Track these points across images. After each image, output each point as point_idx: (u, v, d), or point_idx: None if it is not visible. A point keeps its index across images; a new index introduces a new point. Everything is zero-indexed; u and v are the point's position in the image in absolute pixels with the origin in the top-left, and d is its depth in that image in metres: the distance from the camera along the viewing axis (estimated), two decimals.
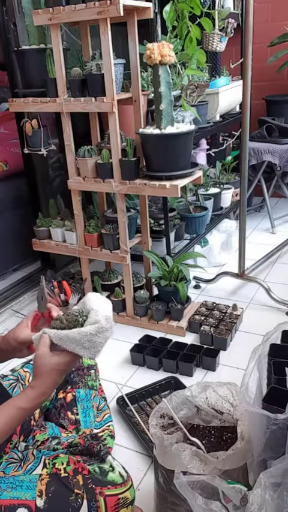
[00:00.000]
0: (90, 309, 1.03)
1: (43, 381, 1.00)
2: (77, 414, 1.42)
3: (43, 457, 1.12)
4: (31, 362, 1.45)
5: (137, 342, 2.06)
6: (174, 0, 2.05)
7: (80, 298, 1.09)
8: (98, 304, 1.04)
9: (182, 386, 1.75)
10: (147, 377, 1.89)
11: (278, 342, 1.23)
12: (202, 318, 2.17)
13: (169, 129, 1.92)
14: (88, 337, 0.97)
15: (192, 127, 1.99)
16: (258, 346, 1.18)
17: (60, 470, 1.07)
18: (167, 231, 2.34)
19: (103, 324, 0.99)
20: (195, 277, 2.62)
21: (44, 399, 1.01)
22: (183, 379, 1.82)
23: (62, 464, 1.08)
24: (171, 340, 2.04)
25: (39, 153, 2.25)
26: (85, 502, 1.01)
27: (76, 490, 1.02)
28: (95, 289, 2.36)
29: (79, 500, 1.01)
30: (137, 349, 2.01)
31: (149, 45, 1.83)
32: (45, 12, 1.90)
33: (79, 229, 2.26)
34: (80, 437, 1.25)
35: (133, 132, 2.07)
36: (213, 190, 2.97)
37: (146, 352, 1.96)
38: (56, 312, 1.11)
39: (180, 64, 2.23)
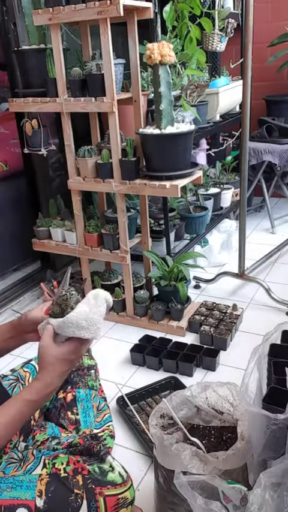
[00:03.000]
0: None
1: (47, 371, 1.00)
2: (77, 414, 1.42)
3: (43, 457, 1.12)
4: (31, 362, 1.45)
5: (137, 342, 2.06)
6: (174, 0, 2.05)
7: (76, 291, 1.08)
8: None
9: (182, 386, 1.75)
10: (147, 377, 1.89)
11: (278, 342, 1.23)
12: (202, 318, 2.17)
13: (169, 129, 1.92)
14: (83, 315, 0.97)
15: (192, 127, 1.99)
16: (258, 346, 1.18)
17: (60, 470, 1.06)
18: (167, 231, 2.34)
19: (90, 299, 1.00)
20: (195, 277, 2.62)
21: (50, 391, 1.00)
22: (183, 379, 1.82)
23: (62, 464, 1.08)
24: (171, 340, 2.04)
25: (39, 153, 2.25)
26: (85, 502, 1.01)
27: (76, 490, 1.02)
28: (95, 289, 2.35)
29: (79, 500, 1.00)
30: (137, 349, 2.01)
31: (149, 45, 1.83)
32: (45, 12, 1.90)
33: (79, 229, 2.26)
34: (80, 437, 1.25)
35: (133, 132, 2.07)
36: (213, 190, 2.98)
37: (146, 352, 1.96)
38: None
39: (180, 64, 2.23)
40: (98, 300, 1.02)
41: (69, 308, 1.02)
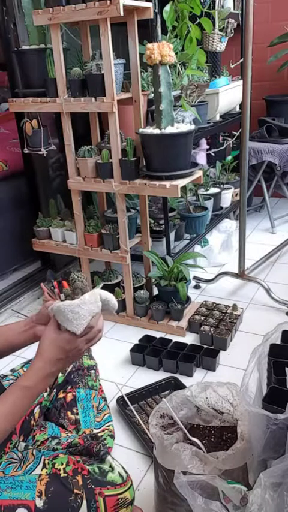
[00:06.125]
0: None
1: (39, 355, 1.02)
2: (77, 414, 1.42)
3: (43, 457, 1.12)
4: (31, 362, 1.45)
5: (137, 342, 2.05)
6: (174, 0, 2.05)
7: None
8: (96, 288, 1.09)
9: (182, 386, 1.75)
10: (147, 377, 1.89)
11: (278, 342, 1.23)
12: (202, 318, 2.17)
13: (169, 129, 1.92)
14: (71, 307, 1.00)
15: (192, 127, 1.98)
16: (258, 346, 1.18)
17: (59, 470, 1.06)
18: (167, 231, 2.34)
19: (86, 296, 1.03)
20: (195, 277, 2.62)
21: (43, 376, 1.01)
22: (183, 379, 1.82)
23: (62, 464, 1.08)
24: (171, 340, 2.04)
25: (39, 153, 2.25)
26: (84, 502, 1.01)
27: (75, 490, 1.02)
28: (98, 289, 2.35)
29: (78, 500, 1.00)
30: (137, 349, 2.01)
31: (149, 45, 1.83)
32: (45, 12, 1.90)
33: (79, 229, 2.26)
34: (80, 437, 1.25)
35: (133, 132, 2.07)
36: (213, 190, 2.98)
37: (146, 352, 1.96)
38: None
39: (180, 64, 2.23)
40: (92, 297, 1.03)
41: (75, 292, 1.05)
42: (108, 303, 1.07)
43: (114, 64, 1.88)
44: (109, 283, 2.36)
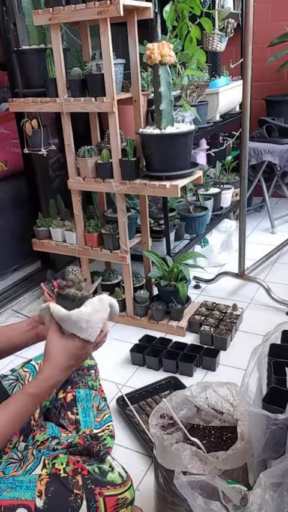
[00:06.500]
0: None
1: (50, 364, 1.00)
2: (77, 414, 1.42)
3: (43, 457, 1.12)
4: (31, 362, 1.45)
5: (137, 342, 2.05)
6: (174, 0, 2.05)
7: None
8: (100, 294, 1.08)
9: (182, 386, 1.75)
10: (147, 377, 1.89)
11: (278, 342, 1.23)
12: (202, 318, 2.17)
13: (169, 129, 1.92)
14: (84, 316, 0.99)
15: (192, 127, 1.98)
16: (258, 346, 1.18)
17: (59, 470, 1.06)
18: (167, 231, 2.34)
19: (96, 302, 1.01)
20: (195, 277, 2.62)
21: (50, 384, 1.01)
22: (183, 379, 1.82)
23: (62, 464, 1.08)
24: (171, 340, 2.04)
25: (39, 153, 2.25)
26: (84, 502, 1.01)
27: (75, 491, 1.02)
28: (94, 289, 2.35)
29: (78, 500, 1.00)
30: (137, 349, 2.01)
31: (149, 45, 1.83)
32: (45, 12, 1.90)
33: (79, 229, 2.26)
34: (80, 437, 1.24)
35: (133, 132, 2.07)
36: (213, 190, 2.98)
37: (146, 352, 1.96)
38: None
39: (180, 64, 2.23)
40: (102, 304, 1.02)
41: (68, 285, 1.04)
42: (112, 308, 1.06)
43: (114, 64, 1.88)
44: (109, 283, 2.36)
